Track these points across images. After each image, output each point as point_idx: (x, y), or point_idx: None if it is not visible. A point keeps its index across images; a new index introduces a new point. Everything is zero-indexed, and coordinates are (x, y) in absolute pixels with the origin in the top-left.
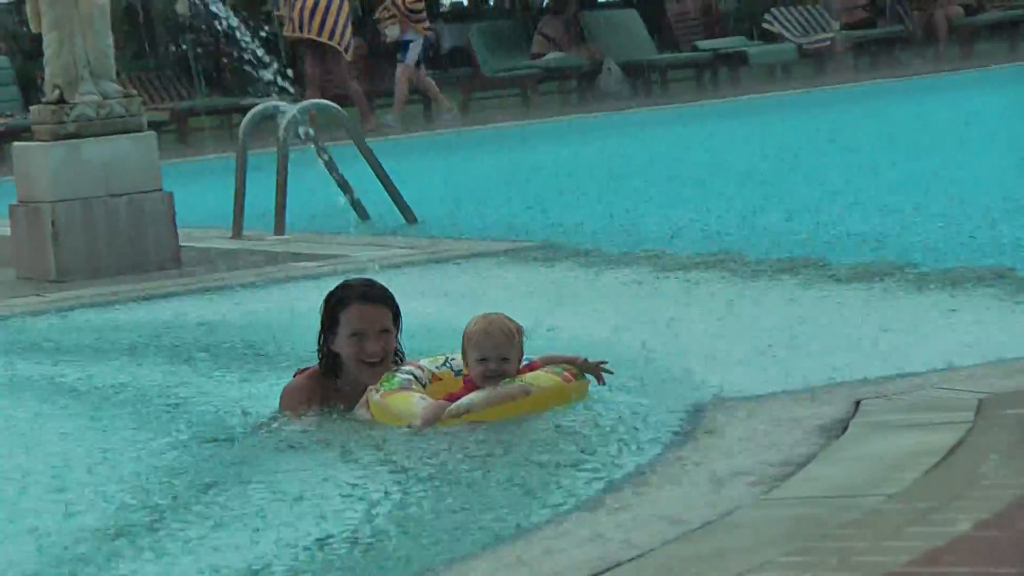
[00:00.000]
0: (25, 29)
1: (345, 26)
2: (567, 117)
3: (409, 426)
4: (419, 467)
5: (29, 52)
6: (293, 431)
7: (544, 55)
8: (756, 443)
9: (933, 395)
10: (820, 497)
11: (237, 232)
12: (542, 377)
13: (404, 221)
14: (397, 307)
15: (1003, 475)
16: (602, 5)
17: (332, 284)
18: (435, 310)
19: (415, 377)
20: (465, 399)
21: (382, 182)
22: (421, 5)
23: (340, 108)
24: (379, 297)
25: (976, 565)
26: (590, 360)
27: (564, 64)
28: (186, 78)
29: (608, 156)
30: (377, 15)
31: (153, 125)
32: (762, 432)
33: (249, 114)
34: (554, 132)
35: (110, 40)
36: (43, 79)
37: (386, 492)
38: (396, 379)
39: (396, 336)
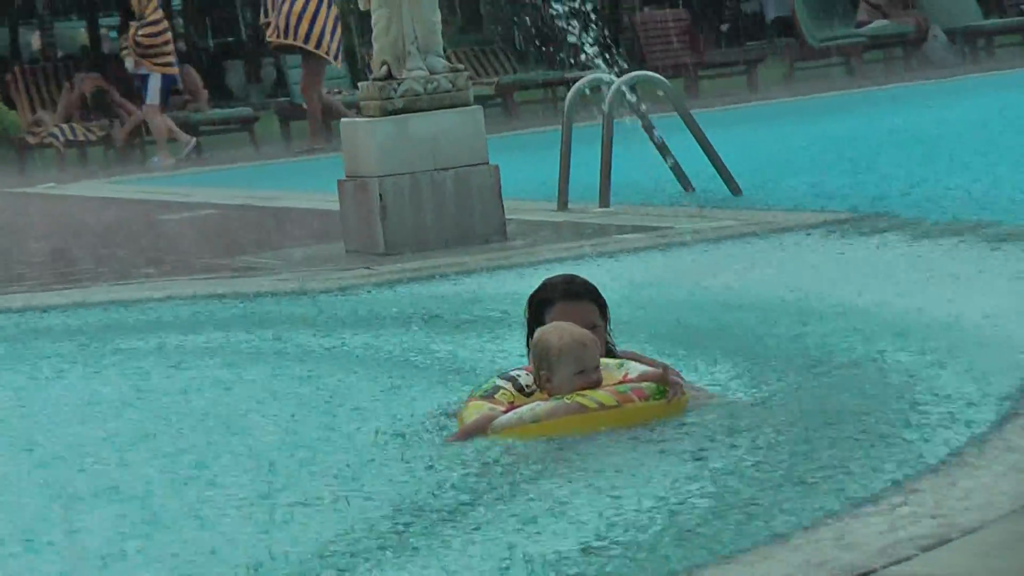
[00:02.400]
0: (353, 7)
1: (332, 32)
2: (892, 86)
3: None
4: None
5: (357, 30)
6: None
7: (869, 23)
8: None
9: None
10: None
11: (562, 204)
12: (600, 395)
13: (729, 192)
14: (603, 300)
15: None
16: None
17: (656, 257)
18: (759, 283)
19: (516, 385)
20: (526, 409)
21: (706, 153)
22: (156, 41)
23: (664, 80)
24: (583, 293)
25: None
26: (669, 373)
27: (889, 32)
28: (511, 52)
29: (934, 125)
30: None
31: (479, 99)
32: None
33: (574, 87)
34: (879, 101)
35: (437, 16)
36: (370, 56)
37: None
38: (485, 386)
39: (605, 329)
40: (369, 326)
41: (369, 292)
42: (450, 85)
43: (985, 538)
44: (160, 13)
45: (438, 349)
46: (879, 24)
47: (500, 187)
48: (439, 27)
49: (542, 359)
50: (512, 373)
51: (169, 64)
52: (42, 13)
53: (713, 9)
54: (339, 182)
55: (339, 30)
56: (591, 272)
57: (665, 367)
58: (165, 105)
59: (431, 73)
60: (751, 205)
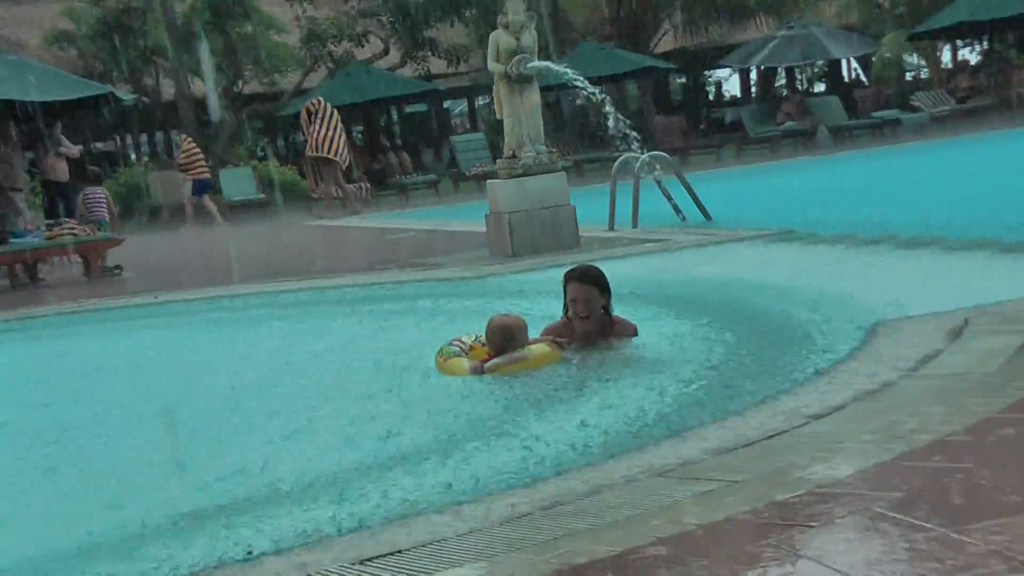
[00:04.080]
0: (492, 116)
1: (342, 146)
2: (797, 159)
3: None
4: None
5: (495, 129)
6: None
7: (785, 123)
8: (912, 343)
9: (1009, 314)
10: (946, 375)
11: (611, 227)
12: (537, 348)
13: (704, 219)
14: (604, 283)
15: None
16: (817, 93)
17: (662, 255)
18: (717, 269)
19: (462, 348)
20: (495, 361)
21: (691, 197)
22: (188, 160)
23: (668, 156)
24: (587, 279)
25: None
26: (556, 340)
27: (795, 128)
28: (582, 139)
29: (821, 181)
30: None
31: (564, 168)
32: (915, 338)
33: (618, 160)
34: (791, 168)
35: (540, 121)
36: (503, 144)
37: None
38: (451, 350)
39: (605, 301)
40: (502, 296)
41: (503, 276)
42: (547, 160)
43: (845, 414)
44: (190, 143)
45: (542, 310)
46: (790, 124)
47: (576, 217)
48: (541, 127)
49: (505, 331)
50: (454, 343)
51: (200, 173)
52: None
53: (696, 116)
54: (486, 215)
55: (344, 143)
56: (624, 264)
57: (553, 338)
58: (197, 197)
59: (537, 154)
60: (716, 227)
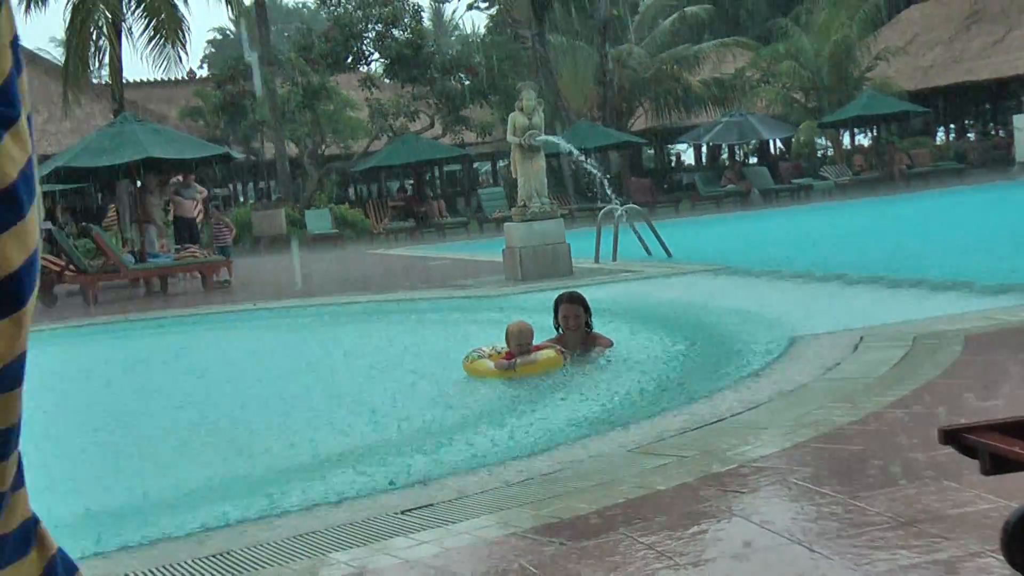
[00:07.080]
0: (509, 175)
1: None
2: (736, 213)
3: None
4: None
5: (511, 184)
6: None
7: (726, 186)
8: (820, 354)
9: (893, 333)
10: (845, 378)
11: (596, 260)
12: (544, 353)
13: (666, 256)
14: (585, 303)
15: (923, 373)
16: (751, 164)
17: (636, 283)
18: (676, 293)
19: (486, 354)
20: (521, 359)
21: (657, 238)
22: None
23: (639, 207)
24: (573, 299)
25: (914, 406)
26: (561, 349)
27: (734, 190)
28: (575, 194)
29: (758, 230)
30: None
31: (562, 215)
32: (822, 350)
33: (602, 211)
34: (729, 220)
35: (545, 179)
36: (517, 195)
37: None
38: (475, 355)
39: (587, 318)
40: (513, 309)
41: (515, 296)
42: (549, 209)
43: (770, 406)
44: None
45: (543, 320)
46: (730, 187)
47: (570, 252)
48: (545, 184)
49: (523, 335)
50: (476, 352)
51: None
52: (380, 178)
53: (661, 178)
54: (503, 249)
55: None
56: (607, 288)
57: (556, 347)
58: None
59: (542, 204)
60: (675, 262)
